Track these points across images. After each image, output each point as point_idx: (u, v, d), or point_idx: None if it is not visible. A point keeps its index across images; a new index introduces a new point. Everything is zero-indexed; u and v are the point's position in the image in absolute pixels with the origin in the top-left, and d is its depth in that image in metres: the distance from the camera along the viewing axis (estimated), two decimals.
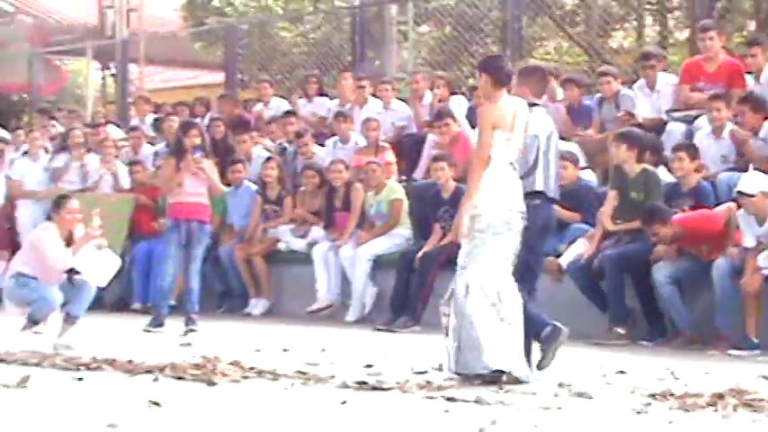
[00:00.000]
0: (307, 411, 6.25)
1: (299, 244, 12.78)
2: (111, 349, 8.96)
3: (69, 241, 9.70)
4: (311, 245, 12.57)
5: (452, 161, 11.69)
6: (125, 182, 14.29)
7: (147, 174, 14.07)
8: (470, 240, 7.31)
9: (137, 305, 13.31)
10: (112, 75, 22.06)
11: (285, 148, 14.18)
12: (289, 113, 14.50)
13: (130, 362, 7.99)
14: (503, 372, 7.16)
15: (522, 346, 7.34)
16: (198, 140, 11.10)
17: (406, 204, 12.22)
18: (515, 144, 7.39)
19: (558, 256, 10.64)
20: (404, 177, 13.11)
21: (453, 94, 13.74)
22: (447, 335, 7.33)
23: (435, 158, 11.92)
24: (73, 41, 21.19)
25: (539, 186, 7.64)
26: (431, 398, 6.65)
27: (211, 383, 7.21)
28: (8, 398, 6.65)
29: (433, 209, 11.69)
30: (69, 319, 9.72)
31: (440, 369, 7.61)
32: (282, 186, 13.21)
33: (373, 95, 14.27)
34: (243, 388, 7.09)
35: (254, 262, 12.93)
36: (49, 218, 9.99)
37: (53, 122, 17.17)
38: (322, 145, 13.88)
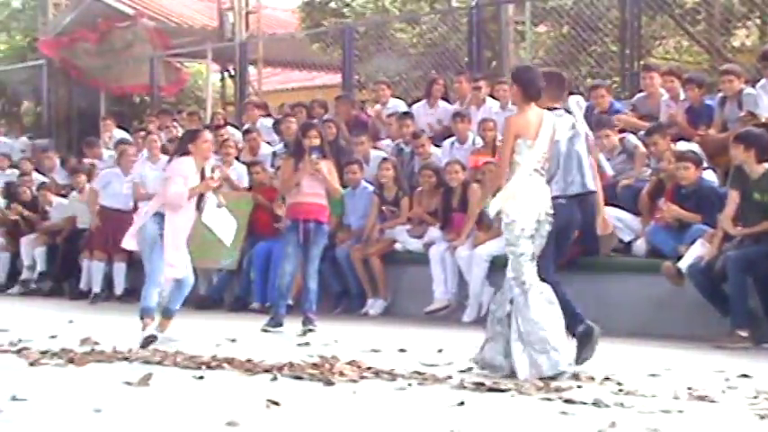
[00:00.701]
0: (423, 412, 6.25)
1: (415, 244, 12.78)
2: (230, 348, 9.07)
3: (202, 176, 9.91)
4: (428, 245, 12.56)
5: None
6: (244, 182, 14.43)
7: (267, 174, 14.19)
8: (515, 248, 7.65)
9: (255, 305, 13.43)
10: (231, 76, 22.33)
11: (402, 149, 14.21)
12: (405, 114, 14.52)
13: (249, 361, 8.07)
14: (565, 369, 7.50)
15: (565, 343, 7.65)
16: (317, 141, 11.17)
17: None
18: (539, 151, 7.71)
19: (679, 258, 10.48)
20: None
21: (571, 93, 13.62)
22: (505, 341, 7.61)
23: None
24: (193, 44, 21.48)
25: (556, 192, 8.00)
26: (548, 399, 6.60)
27: (329, 383, 7.24)
28: (131, 396, 6.77)
29: None
30: (167, 314, 9.88)
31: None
32: (399, 187, 13.24)
33: (490, 96, 14.24)
34: (360, 388, 7.11)
35: (371, 262, 12.98)
36: (185, 152, 10.12)
37: (174, 124, 17.42)
38: (438, 146, 13.88)
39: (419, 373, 7.56)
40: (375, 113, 15.46)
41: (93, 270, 15.11)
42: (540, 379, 7.32)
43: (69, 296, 15.37)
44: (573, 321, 7.93)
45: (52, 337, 9.57)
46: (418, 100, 15.45)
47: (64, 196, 16.57)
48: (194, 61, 23.77)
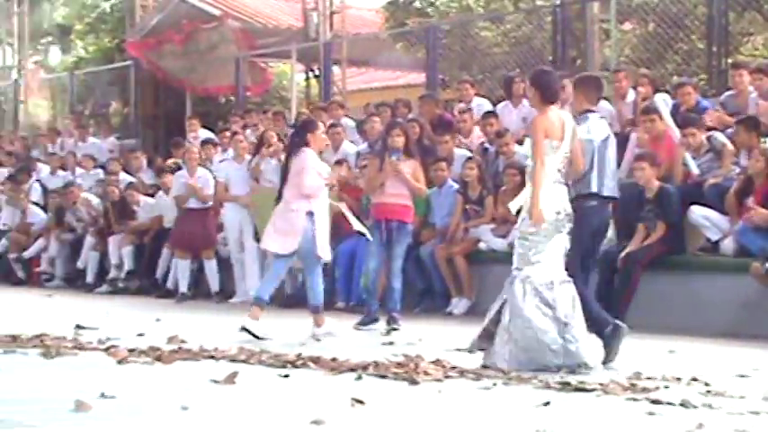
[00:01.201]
0: (509, 412, 6.23)
1: (500, 244, 12.74)
2: (315, 347, 9.11)
3: None
4: (512, 245, 12.49)
5: (656, 160, 11.50)
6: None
7: (351, 173, 14.23)
8: (524, 242, 7.99)
9: (340, 304, 13.47)
10: (316, 76, 22.42)
11: (487, 148, 14.17)
12: (489, 113, 14.48)
13: (335, 360, 8.09)
14: (562, 367, 7.73)
15: (584, 338, 7.86)
16: (400, 140, 11.18)
17: None
18: (562, 152, 7.97)
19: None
20: None
21: (657, 91, 13.50)
22: (494, 331, 7.99)
23: (637, 157, 11.74)
24: (278, 44, 21.60)
25: (593, 188, 8.27)
26: (634, 400, 6.54)
27: (414, 382, 7.24)
28: (217, 393, 6.82)
29: (636, 209, 11.50)
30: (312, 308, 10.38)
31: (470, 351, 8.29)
32: (483, 186, 13.20)
33: None
34: (445, 387, 7.10)
35: (455, 261, 12.96)
36: (305, 143, 10.31)
37: (258, 124, 17.53)
38: (522, 144, 13.81)
39: (504, 372, 7.53)
40: (459, 111, 15.41)
41: (179, 269, 15.27)
42: (570, 373, 7.59)
43: (156, 295, 15.53)
44: (595, 323, 8.13)
45: (140, 335, 9.69)
46: (503, 99, 15.39)
47: (151, 196, 16.76)
48: (279, 61, 23.91)
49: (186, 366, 8.09)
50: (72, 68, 26.59)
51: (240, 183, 14.77)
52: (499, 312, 8.05)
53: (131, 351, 8.65)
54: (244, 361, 8.26)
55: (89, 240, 17.22)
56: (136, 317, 12.15)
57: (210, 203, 15.19)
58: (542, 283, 7.91)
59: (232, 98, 22.90)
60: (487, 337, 8.10)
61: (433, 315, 12.74)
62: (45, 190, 19.43)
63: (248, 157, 14.90)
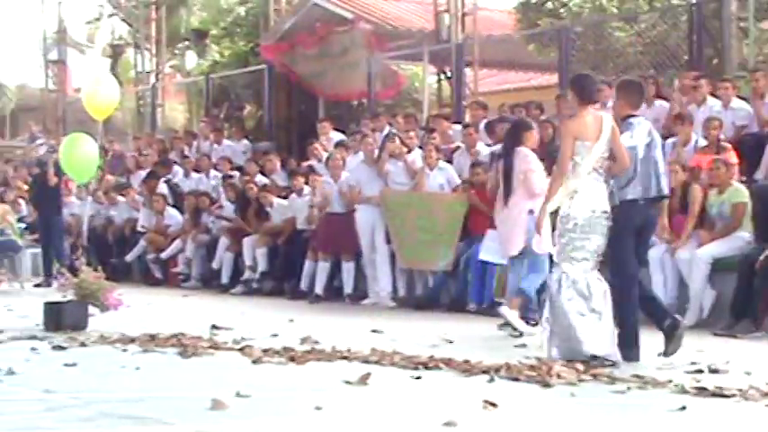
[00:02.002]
0: (643, 416, 6.15)
1: None
2: (447, 349, 9.10)
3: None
4: None
5: None
6: (456, 182, 14.46)
7: (487, 176, 14.13)
8: (561, 239, 8.39)
9: (472, 306, 13.43)
10: (448, 78, 22.40)
11: None
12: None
13: (467, 362, 8.07)
14: (596, 357, 8.11)
15: (612, 332, 8.29)
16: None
17: (749, 207, 11.82)
18: (598, 152, 8.34)
19: None
20: (744, 178, 12.68)
21: None
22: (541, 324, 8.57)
23: None
24: (410, 46, 21.64)
25: (635, 195, 8.57)
26: None
27: (546, 385, 7.20)
28: (350, 394, 6.86)
29: None
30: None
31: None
32: None
33: (712, 95, 13.90)
34: (578, 390, 7.04)
35: None
36: (519, 143, 10.67)
37: (390, 127, 17.57)
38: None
39: (638, 376, 7.44)
40: None
41: (317, 271, 15.40)
42: (569, 362, 7.94)
43: (289, 296, 15.67)
44: (656, 316, 8.64)
45: (273, 335, 9.79)
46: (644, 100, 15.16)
47: (284, 198, 16.92)
48: (411, 63, 23.95)
49: (319, 367, 8.15)
50: (207, 72, 26.96)
51: (372, 184, 14.81)
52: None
53: (266, 351, 8.76)
54: (376, 362, 8.29)
55: (224, 242, 17.46)
56: (270, 317, 12.28)
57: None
58: (581, 277, 8.32)
59: (364, 101, 23.01)
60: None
61: None
62: (175, 192, 19.74)
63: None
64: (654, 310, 8.73)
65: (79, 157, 12.88)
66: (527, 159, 10.56)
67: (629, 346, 8.43)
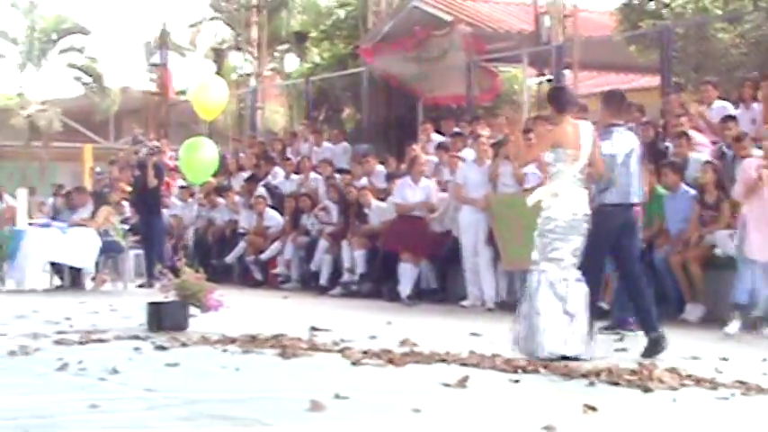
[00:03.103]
0: (747, 423, 6.05)
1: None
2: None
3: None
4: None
5: None
6: None
7: None
8: (542, 240, 8.79)
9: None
10: (548, 80, 22.28)
11: (724, 153, 13.79)
12: (729, 117, 14.08)
13: (566, 365, 8.02)
14: (566, 357, 8.45)
15: (586, 332, 8.70)
16: None
17: None
18: (581, 158, 8.82)
19: None
20: None
21: None
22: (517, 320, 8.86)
23: None
24: (509, 48, 21.56)
25: (616, 200, 9.16)
26: None
27: (647, 390, 7.12)
28: (449, 397, 6.85)
29: None
30: None
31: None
32: (720, 190, 12.85)
33: None
34: (680, 396, 6.95)
35: (689, 267, 12.66)
36: None
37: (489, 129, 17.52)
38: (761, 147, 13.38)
39: (742, 382, 7.31)
40: (698, 113, 15.04)
41: (404, 272, 15.45)
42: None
43: (387, 298, 15.69)
44: (644, 326, 9.27)
45: (372, 337, 9.81)
46: (739, 102, 14.94)
47: (382, 200, 16.95)
48: (510, 66, 23.85)
49: (418, 369, 8.15)
50: (307, 75, 27.15)
51: (478, 185, 14.76)
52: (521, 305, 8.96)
53: (364, 353, 8.78)
54: (475, 365, 8.27)
55: (323, 244, 17.55)
56: (368, 319, 12.32)
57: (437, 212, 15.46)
58: (557, 278, 8.70)
59: (463, 104, 22.95)
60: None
61: (668, 322, 12.44)
62: (273, 193, 19.87)
63: (488, 161, 14.88)
64: (642, 315, 9.34)
65: (200, 158, 13.04)
66: None
67: (651, 329, 9.08)
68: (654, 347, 8.99)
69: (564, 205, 8.79)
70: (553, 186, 8.87)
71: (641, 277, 9.48)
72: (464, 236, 14.77)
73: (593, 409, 6.18)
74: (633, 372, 7.67)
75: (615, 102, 9.61)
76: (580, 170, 8.88)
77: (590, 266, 8.96)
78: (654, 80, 19.31)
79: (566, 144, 8.85)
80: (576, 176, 8.86)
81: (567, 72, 20.52)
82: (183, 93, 26.95)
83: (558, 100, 9.17)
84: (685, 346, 9.55)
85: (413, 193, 15.90)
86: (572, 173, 8.83)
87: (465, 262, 14.83)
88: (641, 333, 10.56)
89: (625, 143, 9.34)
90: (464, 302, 14.68)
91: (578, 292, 8.75)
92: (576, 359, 8.46)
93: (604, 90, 10.19)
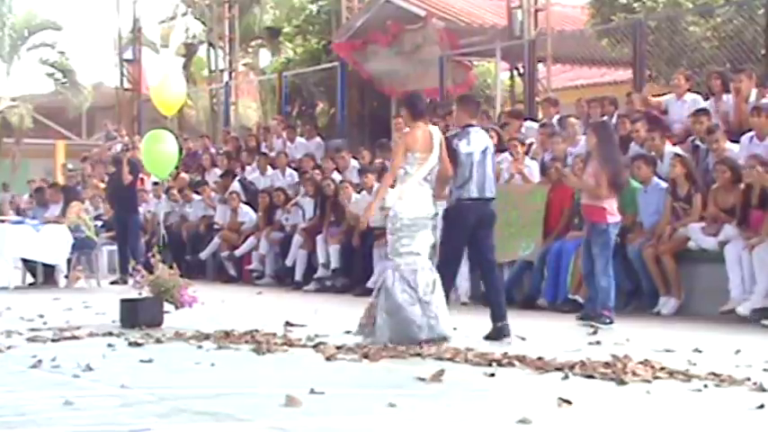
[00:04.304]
0: (720, 415, 6.09)
1: (710, 242, 12.43)
2: (521, 346, 9.08)
3: None
4: (723, 243, 12.19)
5: None
6: (536, 177, 14.42)
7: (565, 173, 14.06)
8: (391, 237, 9.45)
9: (542, 301, 13.38)
10: (520, 74, 22.32)
11: (698, 146, 13.83)
12: (701, 111, 14.11)
13: (540, 359, 8.05)
14: (428, 340, 9.07)
15: (443, 314, 9.32)
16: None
17: None
18: (431, 163, 9.48)
19: None
20: None
21: None
22: (373, 311, 9.35)
23: None
24: (482, 43, 21.59)
25: (474, 194, 9.81)
26: None
27: (621, 383, 7.15)
28: (424, 391, 6.86)
29: None
30: None
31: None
32: (692, 184, 12.90)
33: None
34: (654, 388, 6.98)
35: (663, 260, 12.71)
36: None
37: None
38: (735, 141, 13.43)
39: (715, 374, 7.35)
40: (641, 101, 15.10)
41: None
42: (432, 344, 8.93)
43: (355, 293, 15.54)
44: (494, 313, 9.84)
45: (347, 332, 9.81)
46: (709, 95, 14.96)
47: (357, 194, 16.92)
48: (483, 60, 23.89)
49: (393, 364, 8.16)
50: (280, 70, 27.11)
51: None
52: (377, 296, 9.42)
53: (339, 348, 8.79)
54: (450, 359, 8.29)
55: (297, 239, 17.52)
56: (343, 314, 12.31)
57: None
58: (408, 269, 9.30)
59: (436, 98, 22.97)
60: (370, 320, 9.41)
61: (642, 315, 12.53)
62: (248, 189, 19.84)
63: None
64: (494, 304, 9.89)
65: (160, 152, 13.02)
66: None
67: (499, 319, 9.74)
68: (497, 335, 9.69)
69: (408, 205, 9.39)
70: (398, 189, 9.44)
71: (495, 267, 10.20)
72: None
73: (568, 402, 6.20)
74: (607, 364, 7.70)
75: (471, 105, 10.31)
76: (429, 172, 9.51)
77: (450, 255, 9.82)
78: (626, 74, 19.38)
79: (416, 149, 9.45)
80: (425, 178, 9.49)
81: (539, 66, 20.56)
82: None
83: (414, 106, 9.72)
84: (659, 338, 9.60)
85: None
86: (420, 175, 9.46)
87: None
88: (614, 326, 10.69)
89: (480, 142, 9.94)
90: None
91: (427, 279, 9.33)
92: (444, 339, 9.15)
93: (461, 94, 11.34)
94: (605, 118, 14.64)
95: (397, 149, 9.75)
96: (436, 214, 9.62)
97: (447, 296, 9.57)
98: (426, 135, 9.54)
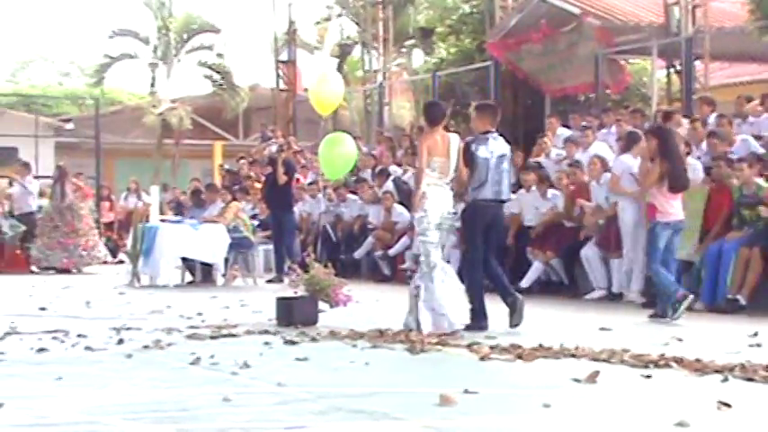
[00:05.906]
0: None
1: None
2: (678, 347, 8.93)
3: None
4: None
5: None
6: (699, 176, 14.12)
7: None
8: (422, 237, 10.30)
9: (699, 305, 13.11)
10: (677, 72, 21.96)
11: None
12: None
13: (699, 361, 7.90)
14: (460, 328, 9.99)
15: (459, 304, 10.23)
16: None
17: None
18: (449, 166, 10.21)
19: None
20: None
21: None
22: (416, 303, 10.15)
23: None
24: (638, 40, 21.31)
25: (489, 196, 10.48)
26: None
27: None
28: (579, 392, 6.80)
29: None
30: None
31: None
32: None
33: None
34: None
35: None
36: None
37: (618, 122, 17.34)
38: None
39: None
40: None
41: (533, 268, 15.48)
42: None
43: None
44: (502, 294, 10.54)
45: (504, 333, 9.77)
46: None
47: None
48: (639, 58, 23.57)
49: (547, 364, 8.11)
50: (434, 70, 27.15)
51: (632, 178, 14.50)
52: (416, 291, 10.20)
53: (493, 348, 8.76)
54: (605, 360, 8.19)
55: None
56: (495, 314, 12.27)
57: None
58: (439, 263, 10.20)
59: (591, 96, 22.77)
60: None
61: None
62: (401, 189, 19.88)
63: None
64: (499, 287, 10.58)
65: (338, 154, 13.20)
66: None
67: (480, 318, 10.33)
68: (513, 307, 10.41)
69: (434, 206, 10.16)
70: (422, 192, 10.18)
71: (493, 264, 10.69)
72: (624, 228, 14.29)
73: (728, 405, 6.08)
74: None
75: (489, 112, 10.92)
76: (447, 175, 10.24)
77: (471, 250, 10.64)
78: None
79: (435, 153, 10.19)
80: (443, 180, 10.22)
81: (697, 63, 20.20)
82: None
83: (431, 114, 10.47)
84: None
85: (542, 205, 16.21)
86: (436, 177, 10.17)
87: (625, 257, 14.44)
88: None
89: (498, 148, 10.61)
90: (588, 295, 14.60)
91: (454, 273, 10.41)
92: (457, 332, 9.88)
93: (479, 102, 11.85)
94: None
95: (420, 151, 10.35)
96: (455, 213, 10.46)
97: (480, 292, 10.44)
98: (445, 140, 10.30)
